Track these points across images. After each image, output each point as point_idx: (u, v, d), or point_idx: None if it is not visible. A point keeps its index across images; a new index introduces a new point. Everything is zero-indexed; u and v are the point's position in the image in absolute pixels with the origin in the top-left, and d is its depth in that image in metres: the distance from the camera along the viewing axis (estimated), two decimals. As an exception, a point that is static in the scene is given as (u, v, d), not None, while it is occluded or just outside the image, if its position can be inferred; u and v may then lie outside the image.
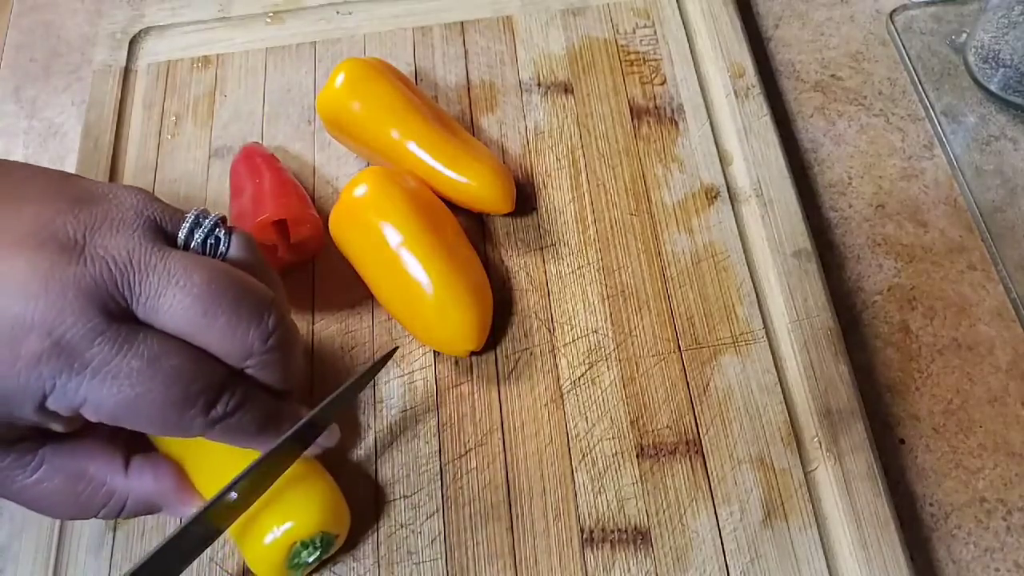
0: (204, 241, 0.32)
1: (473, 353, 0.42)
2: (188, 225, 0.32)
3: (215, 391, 0.30)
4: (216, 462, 0.36)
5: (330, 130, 0.47)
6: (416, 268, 0.40)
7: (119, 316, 0.29)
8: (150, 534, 0.39)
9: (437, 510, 0.39)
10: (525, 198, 0.46)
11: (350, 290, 0.44)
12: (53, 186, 0.30)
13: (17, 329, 0.27)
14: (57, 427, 0.31)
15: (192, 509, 0.35)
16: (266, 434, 0.33)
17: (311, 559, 0.36)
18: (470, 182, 0.43)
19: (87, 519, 0.35)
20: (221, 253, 0.32)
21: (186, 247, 0.31)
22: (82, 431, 0.33)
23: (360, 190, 0.42)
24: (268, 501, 0.35)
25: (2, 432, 0.30)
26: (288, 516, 0.35)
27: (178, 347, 0.30)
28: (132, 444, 0.36)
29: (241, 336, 0.30)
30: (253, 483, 0.34)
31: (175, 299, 0.29)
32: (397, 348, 0.41)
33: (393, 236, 0.40)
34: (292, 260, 0.45)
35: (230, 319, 0.30)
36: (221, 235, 0.32)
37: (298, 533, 0.35)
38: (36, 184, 0.30)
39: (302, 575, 0.37)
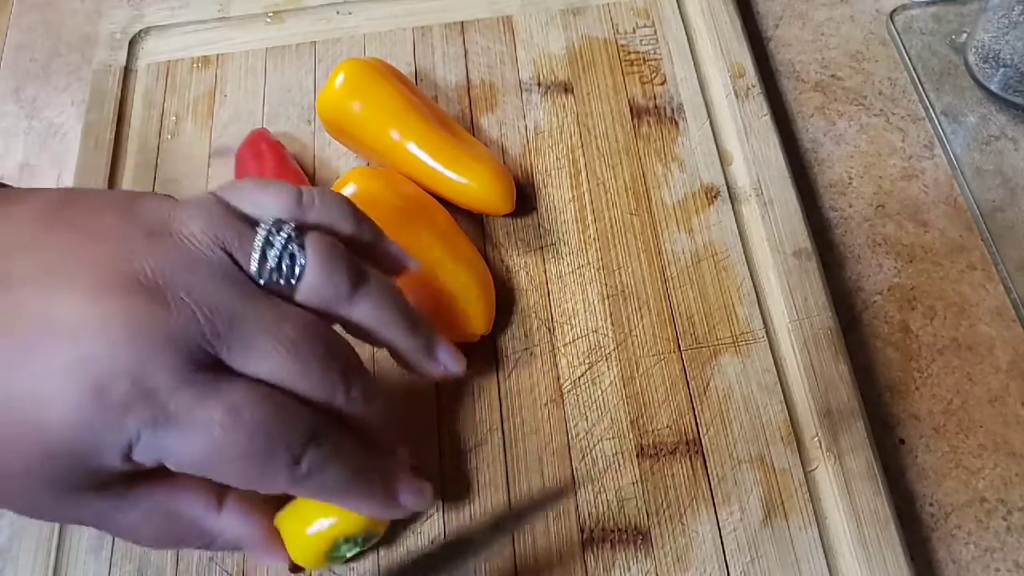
0: (279, 265, 0.30)
1: (482, 336, 0.42)
2: (260, 246, 0.30)
3: (301, 444, 0.29)
4: (306, 509, 0.36)
5: (330, 130, 0.47)
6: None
7: (205, 364, 0.28)
8: (150, 534, 0.39)
9: (437, 510, 0.39)
10: (525, 198, 0.46)
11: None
12: (122, 216, 0.29)
13: (104, 377, 0.26)
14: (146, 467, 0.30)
15: (277, 555, 0.35)
16: (355, 489, 0.32)
17: (350, 553, 0.36)
18: (470, 183, 0.43)
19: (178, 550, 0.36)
20: (299, 272, 0.30)
21: (259, 274, 0.30)
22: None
23: (348, 190, 0.42)
24: None
25: (89, 481, 0.28)
26: (334, 512, 0.35)
27: (264, 395, 0.28)
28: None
29: (332, 382, 0.30)
30: None
31: (268, 345, 0.28)
32: None
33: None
34: None
35: (322, 367, 0.29)
36: (296, 251, 0.30)
37: (342, 530, 0.35)
38: (106, 216, 0.29)
39: (338, 564, 0.37)
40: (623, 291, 0.44)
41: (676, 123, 0.49)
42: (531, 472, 0.39)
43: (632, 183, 0.47)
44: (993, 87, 0.50)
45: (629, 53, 0.51)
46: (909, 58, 0.52)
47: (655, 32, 0.52)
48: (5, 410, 0.26)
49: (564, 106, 0.50)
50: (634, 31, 0.52)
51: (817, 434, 0.40)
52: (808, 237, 0.45)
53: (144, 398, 0.26)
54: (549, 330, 0.43)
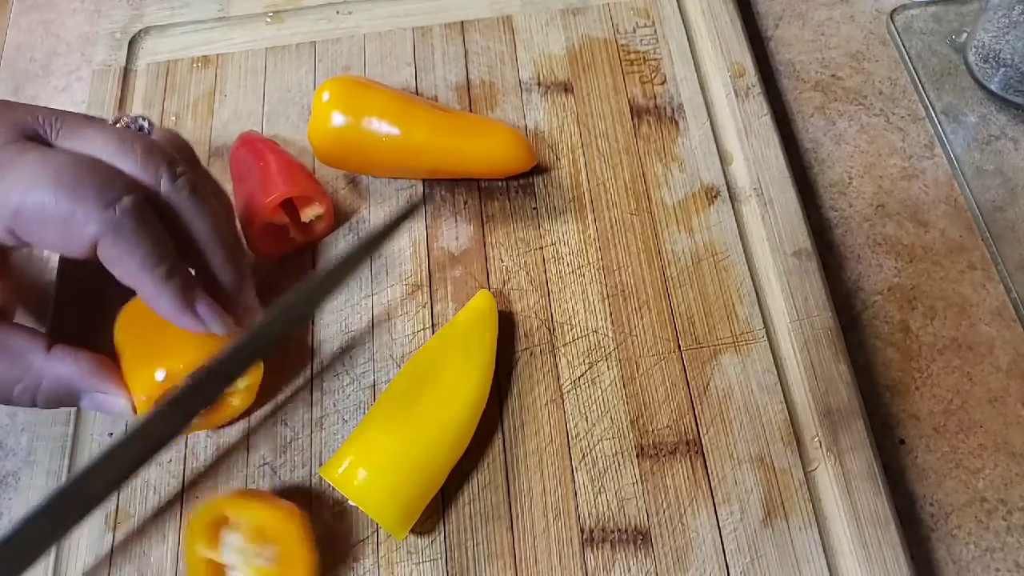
0: (131, 121, 0.36)
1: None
2: (111, 119, 0.36)
3: (115, 191, 0.32)
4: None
5: (326, 158, 0.45)
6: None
7: (35, 139, 0.33)
8: (150, 533, 0.39)
9: (437, 510, 0.39)
10: (525, 197, 0.46)
11: (350, 283, 0.44)
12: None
13: None
14: None
15: (112, 393, 0.35)
16: (153, 275, 0.33)
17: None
18: (489, 145, 0.44)
19: (2, 399, 0.35)
20: (147, 127, 0.37)
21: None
22: (10, 318, 0.35)
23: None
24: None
25: None
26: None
27: (83, 157, 0.32)
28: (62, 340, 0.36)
29: (155, 164, 0.33)
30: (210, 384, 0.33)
31: (95, 131, 0.33)
32: (416, 206, 0.43)
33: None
34: (302, 241, 0.45)
35: (146, 150, 0.33)
36: (144, 124, 0.36)
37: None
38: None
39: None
40: (623, 291, 0.44)
41: (676, 123, 0.49)
42: (531, 472, 0.39)
43: (632, 183, 0.47)
44: (993, 87, 0.50)
45: (629, 53, 0.51)
46: (909, 58, 0.52)
47: (655, 32, 0.52)
48: None
49: (564, 106, 0.50)
50: (634, 31, 0.52)
51: (817, 434, 0.40)
52: (808, 237, 0.45)
53: None
54: (549, 330, 0.43)
